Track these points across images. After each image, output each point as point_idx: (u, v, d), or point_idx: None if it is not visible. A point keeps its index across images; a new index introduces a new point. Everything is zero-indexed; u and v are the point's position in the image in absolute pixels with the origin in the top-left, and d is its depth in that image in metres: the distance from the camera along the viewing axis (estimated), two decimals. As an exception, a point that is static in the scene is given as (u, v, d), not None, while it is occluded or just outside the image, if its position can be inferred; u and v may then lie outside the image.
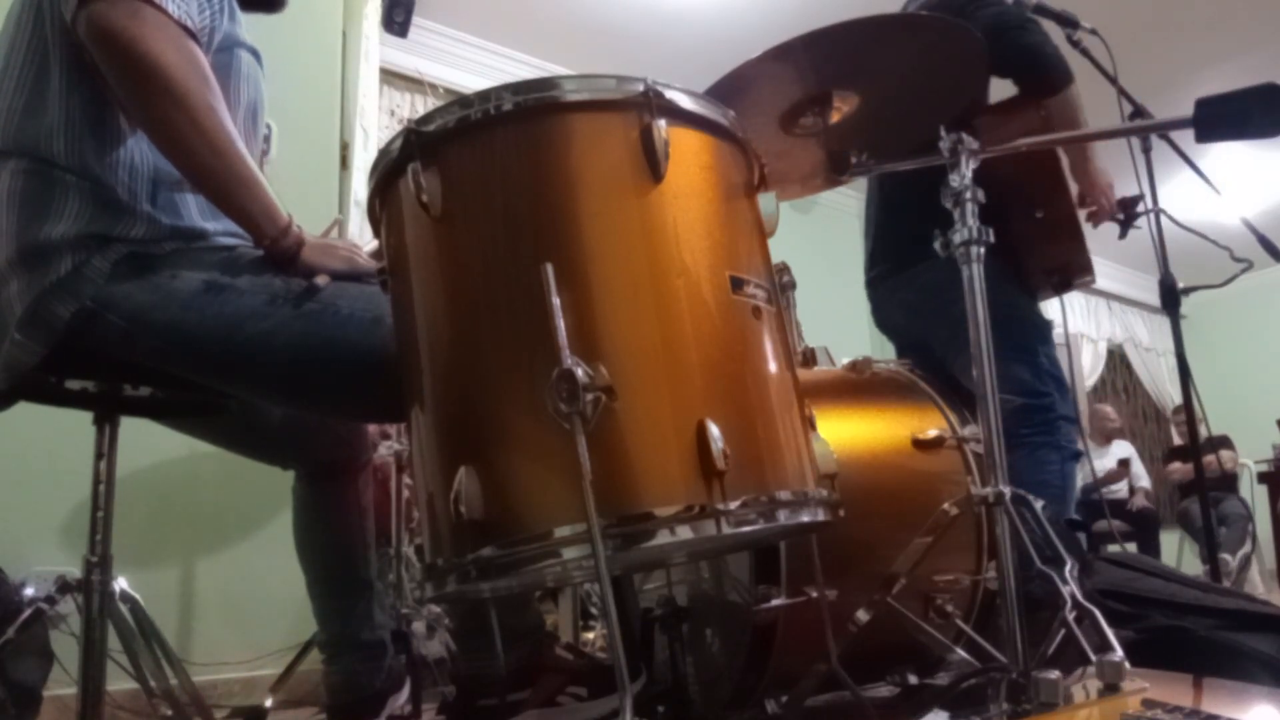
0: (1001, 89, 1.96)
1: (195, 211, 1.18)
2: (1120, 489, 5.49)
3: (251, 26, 1.33)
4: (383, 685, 1.49)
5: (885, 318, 2.22)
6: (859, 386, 1.54)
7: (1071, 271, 1.96)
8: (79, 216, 1.10)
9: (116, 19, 1.04)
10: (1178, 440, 6.84)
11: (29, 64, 1.14)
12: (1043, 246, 1.91)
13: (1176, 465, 6.21)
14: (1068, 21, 1.98)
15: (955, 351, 1.77)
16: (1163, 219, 2.00)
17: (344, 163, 2.69)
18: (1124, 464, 5.59)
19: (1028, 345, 1.91)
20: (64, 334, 1.09)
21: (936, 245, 1.31)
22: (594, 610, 2.36)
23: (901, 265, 2.01)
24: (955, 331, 1.78)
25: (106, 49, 1.06)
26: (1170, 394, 7.49)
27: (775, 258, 1.07)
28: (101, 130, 1.13)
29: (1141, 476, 5.71)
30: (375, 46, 3.15)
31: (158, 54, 1.04)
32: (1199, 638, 1.38)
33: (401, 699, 1.55)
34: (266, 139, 1.35)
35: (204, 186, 1.13)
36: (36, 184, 1.11)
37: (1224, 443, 5.94)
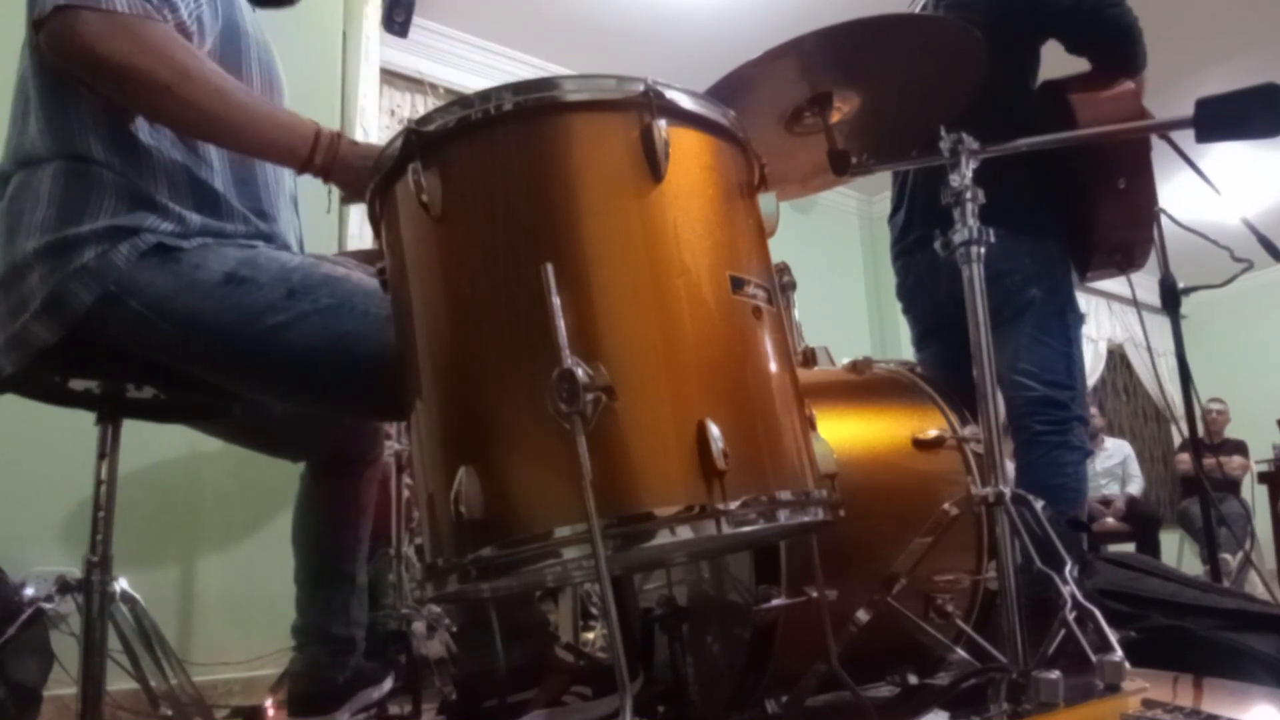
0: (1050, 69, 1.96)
1: (224, 211, 1.20)
2: (1113, 489, 5.49)
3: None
4: (346, 681, 1.49)
5: (917, 288, 2.06)
6: (859, 386, 1.54)
7: (1134, 254, 1.93)
8: (114, 212, 1.12)
9: (62, 35, 1.06)
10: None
11: (42, 78, 1.16)
12: (1117, 219, 1.88)
13: (1186, 456, 6.18)
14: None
15: (994, 324, 1.73)
16: (1163, 219, 2.00)
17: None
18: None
19: (1068, 334, 1.89)
20: (83, 318, 1.10)
21: (937, 245, 1.31)
22: (594, 610, 2.36)
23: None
24: (1001, 304, 1.76)
25: (71, 66, 1.10)
26: (1171, 394, 7.49)
27: (775, 258, 1.07)
28: (128, 127, 1.15)
29: (1135, 478, 5.68)
30: (375, 46, 3.15)
31: (111, 54, 1.06)
32: (1199, 638, 1.38)
33: (376, 694, 1.55)
34: None
35: (222, 145, 1.18)
36: (76, 183, 1.13)
37: (1238, 448, 5.94)
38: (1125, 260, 1.94)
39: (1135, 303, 2.06)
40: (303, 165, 1.16)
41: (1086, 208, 1.88)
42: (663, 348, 0.89)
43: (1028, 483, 1.78)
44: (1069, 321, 1.90)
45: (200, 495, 2.25)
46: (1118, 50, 1.87)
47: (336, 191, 1.24)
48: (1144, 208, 1.87)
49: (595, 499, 0.80)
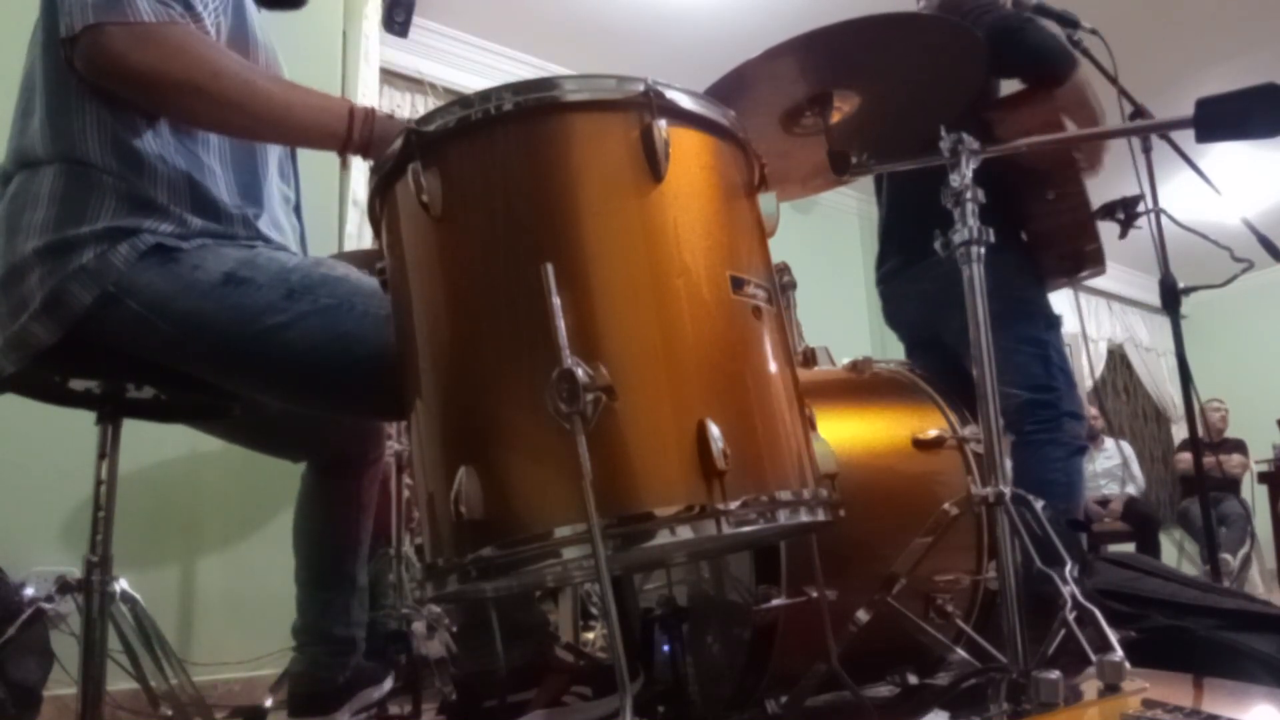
0: (1011, 86, 1.99)
1: (224, 215, 1.20)
2: (1113, 488, 5.48)
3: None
4: (346, 682, 1.49)
5: (897, 313, 2.23)
6: (859, 386, 1.54)
7: (1084, 258, 1.98)
8: (114, 214, 1.12)
9: (93, 53, 1.08)
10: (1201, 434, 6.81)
11: (50, 80, 1.16)
12: (1052, 229, 1.95)
13: (1186, 455, 6.18)
14: (1068, 22, 1.99)
15: (969, 344, 1.79)
16: (1163, 219, 2.00)
17: (344, 163, 2.70)
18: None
19: (1039, 338, 1.94)
20: (82, 318, 1.10)
21: (937, 245, 1.31)
22: (594, 610, 2.36)
23: (924, 254, 2.03)
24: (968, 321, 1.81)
25: (106, 81, 1.11)
26: (1171, 394, 7.50)
27: (775, 258, 1.07)
28: (130, 133, 1.15)
29: (1135, 478, 5.68)
30: (375, 46, 3.15)
31: (141, 64, 1.08)
32: (1199, 638, 1.38)
33: (376, 694, 1.55)
34: None
35: (257, 139, 1.22)
36: (76, 185, 1.13)
37: (1238, 446, 5.94)
38: (1075, 266, 2.02)
39: (1127, 300, 2.07)
40: (342, 145, 1.16)
41: (1024, 220, 1.97)
42: (663, 348, 0.89)
43: (1019, 481, 1.79)
44: (1040, 326, 1.96)
45: (200, 495, 2.25)
46: (1032, 71, 1.96)
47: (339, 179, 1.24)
48: (1078, 215, 1.95)
49: (595, 499, 0.80)
